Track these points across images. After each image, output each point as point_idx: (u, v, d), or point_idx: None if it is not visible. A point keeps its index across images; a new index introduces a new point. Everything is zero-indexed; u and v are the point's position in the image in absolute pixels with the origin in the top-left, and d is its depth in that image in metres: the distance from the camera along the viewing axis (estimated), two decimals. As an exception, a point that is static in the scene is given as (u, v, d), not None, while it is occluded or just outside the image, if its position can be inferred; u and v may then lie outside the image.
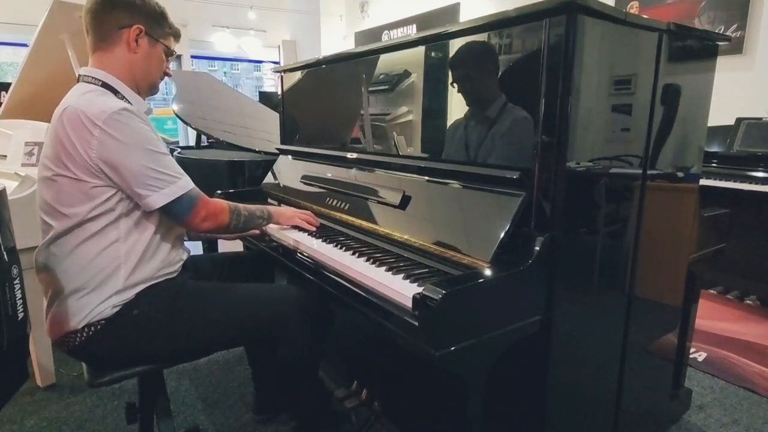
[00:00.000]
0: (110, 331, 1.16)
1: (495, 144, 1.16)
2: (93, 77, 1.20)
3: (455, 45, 1.25)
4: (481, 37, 1.19)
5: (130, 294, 1.18)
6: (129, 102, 1.22)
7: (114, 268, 1.16)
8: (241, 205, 1.36)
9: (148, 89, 1.32)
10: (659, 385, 1.57)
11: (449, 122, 1.30)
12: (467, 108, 1.25)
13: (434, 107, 1.36)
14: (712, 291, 2.95)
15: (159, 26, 1.27)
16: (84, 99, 1.13)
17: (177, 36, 1.35)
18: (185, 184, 1.19)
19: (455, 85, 1.26)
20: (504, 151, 1.14)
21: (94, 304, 1.15)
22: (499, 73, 1.15)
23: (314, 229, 1.52)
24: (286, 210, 1.55)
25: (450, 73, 1.27)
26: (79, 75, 1.23)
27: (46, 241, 1.17)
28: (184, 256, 1.36)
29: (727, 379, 2.03)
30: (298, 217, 1.53)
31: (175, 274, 1.29)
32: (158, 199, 1.14)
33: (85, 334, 1.15)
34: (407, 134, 1.47)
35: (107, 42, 1.21)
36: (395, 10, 6.54)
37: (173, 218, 1.22)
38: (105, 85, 1.20)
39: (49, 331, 1.20)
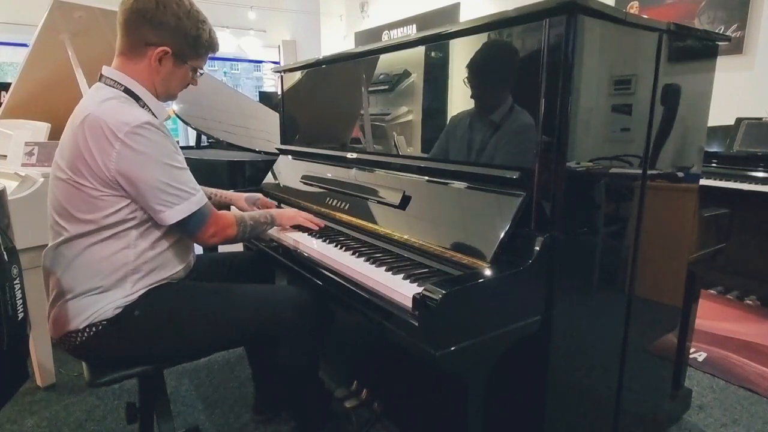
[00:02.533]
0: (111, 332, 1.16)
1: (500, 149, 1.15)
2: (115, 81, 1.18)
3: (467, 44, 1.23)
4: (503, 38, 1.15)
5: (133, 296, 1.18)
6: (151, 109, 1.21)
7: (122, 275, 1.16)
8: (246, 215, 1.36)
9: (165, 99, 1.30)
10: (659, 385, 1.57)
11: (451, 117, 1.30)
12: (471, 106, 1.24)
13: (434, 107, 1.36)
14: (712, 291, 2.95)
15: (191, 48, 1.23)
16: (106, 107, 1.12)
17: (214, 51, 1.31)
18: (199, 200, 1.18)
19: (466, 82, 1.23)
20: (507, 153, 1.14)
21: (97, 306, 1.15)
22: (510, 77, 1.13)
23: (317, 228, 1.51)
24: (287, 210, 1.55)
25: (467, 71, 1.22)
26: (101, 75, 1.21)
27: (57, 242, 1.17)
28: (192, 263, 1.36)
29: (727, 379, 2.03)
30: (302, 217, 1.53)
31: (178, 279, 1.29)
32: (172, 215, 1.14)
33: (86, 334, 1.16)
34: (407, 134, 1.47)
35: (132, 52, 1.19)
36: (395, 10, 6.54)
37: (183, 233, 1.22)
38: (127, 91, 1.18)
39: (50, 329, 1.21)
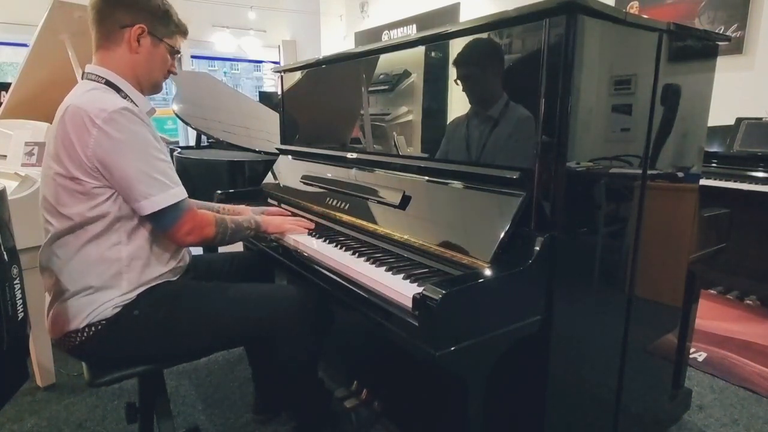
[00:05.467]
0: (111, 332, 1.16)
1: (499, 144, 1.15)
2: (97, 75, 1.19)
3: (459, 43, 1.25)
4: (486, 35, 1.17)
5: (132, 295, 1.18)
6: (133, 101, 1.21)
7: (116, 272, 1.16)
8: (228, 218, 1.33)
9: (150, 88, 1.30)
10: (659, 385, 1.57)
11: (449, 121, 1.30)
12: (469, 106, 1.25)
13: (434, 107, 1.36)
14: (712, 291, 2.95)
15: (163, 25, 1.24)
16: (86, 97, 1.12)
17: (184, 33, 1.31)
18: (177, 193, 1.15)
19: (459, 82, 1.24)
20: (508, 151, 1.14)
21: (95, 305, 1.15)
22: (503, 72, 1.15)
23: (307, 231, 1.50)
24: (273, 218, 1.51)
25: (455, 71, 1.25)
26: (84, 72, 1.22)
27: (47, 240, 1.17)
28: (187, 259, 1.36)
29: (727, 379, 2.03)
30: (288, 224, 1.50)
31: (176, 277, 1.29)
32: (146, 205, 1.11)
33: (85, 334, 1.16)
34: (407, 134, 1.47)
35: (109, 41, 1.20)
36: (395, 10, 6.54)
37: (157, 227, 1.19)
38: (108, 83, 1.19)
39: (50, 329, 1.21)
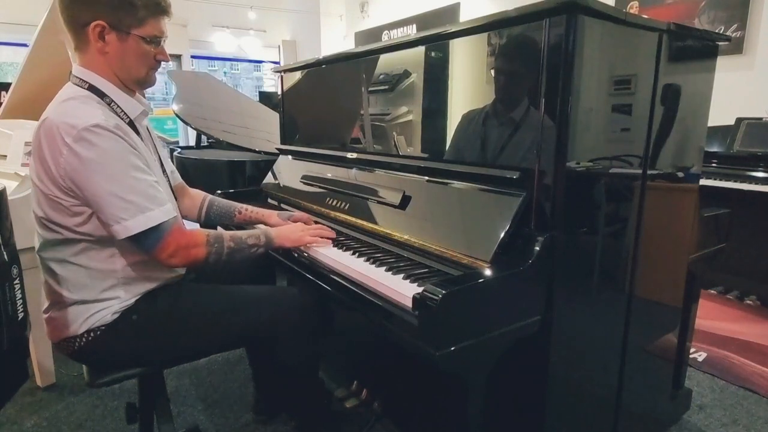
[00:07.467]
0: (110, 336, 1.16)
1: (520, 152, 1.10)
2: (80, 78, 1.12)
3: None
4: (532, 33, 1.07)
5: (130, 301, 1.17)
6: (119, 106, 1.15)
7: (112, 284, 1.15)
8: (228, 234, 1.21)
9: (137, 85, 1.19)
10: (659, 385, 1.57)
11: (449, 122, 1.30)
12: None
13: (434, 107, 1.36)
14: (712, 291, 2.95)
15: (128, 15, 1.09)
16: (62, 109, 1.06)
17: (160, 13, 1.14)
18: (155, 216, 1.06)
19: (494, 73, 1.16)
20: (530, 154, 1.08)
21: (93, 311, 1.14)
22: (535, 75, 1.07)
23: (329, 242, 1.38)
24: (291, 231, 1.36)
25: (496, 60, 1.16)
26: (70, 72, 1.15)
27: (39, 248, 1.15)
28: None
29: (727, 379, 2.03)
30: (309, 237, 1.36)
31: (175, 281, 1.29)
32: (119, 230, 1.04)
33: (84, 339, 1.15)
34: (407, 134, 1.47)
35: (80, 41, 1.11)
36: (395, 10, 6.54)
37: (138, 249, 1.11)
38: (92, 89, 1.12)
39: (48, 334, 1.20)
